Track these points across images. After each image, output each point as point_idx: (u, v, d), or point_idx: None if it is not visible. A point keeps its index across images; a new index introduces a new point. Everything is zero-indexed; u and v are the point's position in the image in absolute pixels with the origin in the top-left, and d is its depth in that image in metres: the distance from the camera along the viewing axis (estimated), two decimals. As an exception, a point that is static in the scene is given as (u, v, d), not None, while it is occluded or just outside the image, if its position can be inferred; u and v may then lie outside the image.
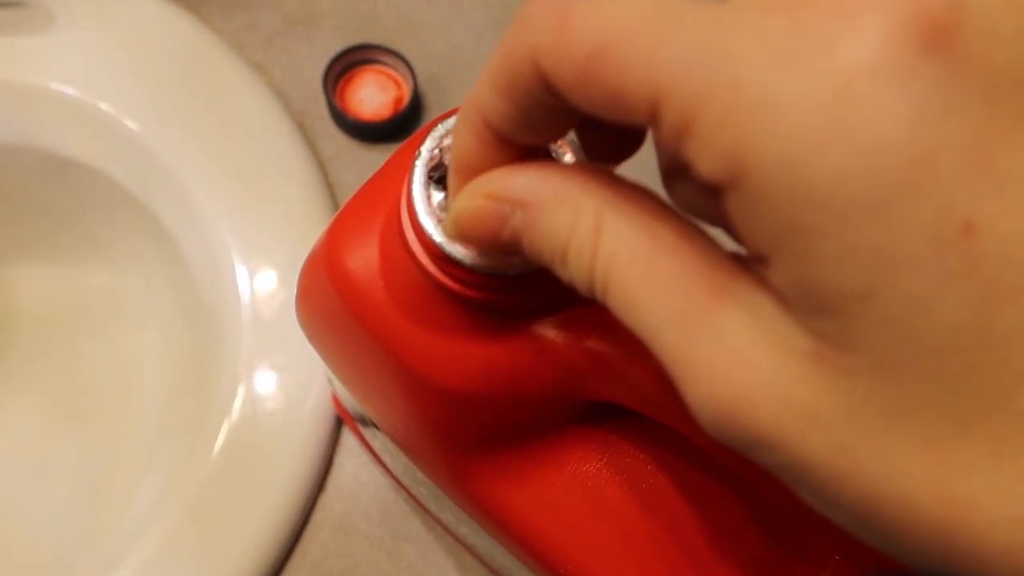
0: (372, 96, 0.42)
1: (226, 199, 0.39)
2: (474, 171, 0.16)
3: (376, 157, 0.41)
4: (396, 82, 0.42)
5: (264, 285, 0.38)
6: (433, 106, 0.43)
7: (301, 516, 0.37)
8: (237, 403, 0.37)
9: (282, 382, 0.37)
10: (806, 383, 0.12)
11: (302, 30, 0.43)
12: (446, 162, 0.17)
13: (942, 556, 0.12)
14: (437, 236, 0.17)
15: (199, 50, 0.41)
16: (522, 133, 0.15)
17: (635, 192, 0.15)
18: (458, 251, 0.17)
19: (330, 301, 0.20)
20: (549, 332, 0.19)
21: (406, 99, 0.41)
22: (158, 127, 0.39)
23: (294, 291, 0.39)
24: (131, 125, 0.39)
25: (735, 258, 0.14)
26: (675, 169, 0.16)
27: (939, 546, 0.12)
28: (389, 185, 0.20)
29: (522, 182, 0.15)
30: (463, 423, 0.20)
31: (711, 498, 0.21)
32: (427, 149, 0.17)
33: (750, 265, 0.13)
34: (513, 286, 0.17)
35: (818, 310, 0.12)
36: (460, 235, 0.16)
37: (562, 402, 0.20)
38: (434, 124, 0.18)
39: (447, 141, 0.17)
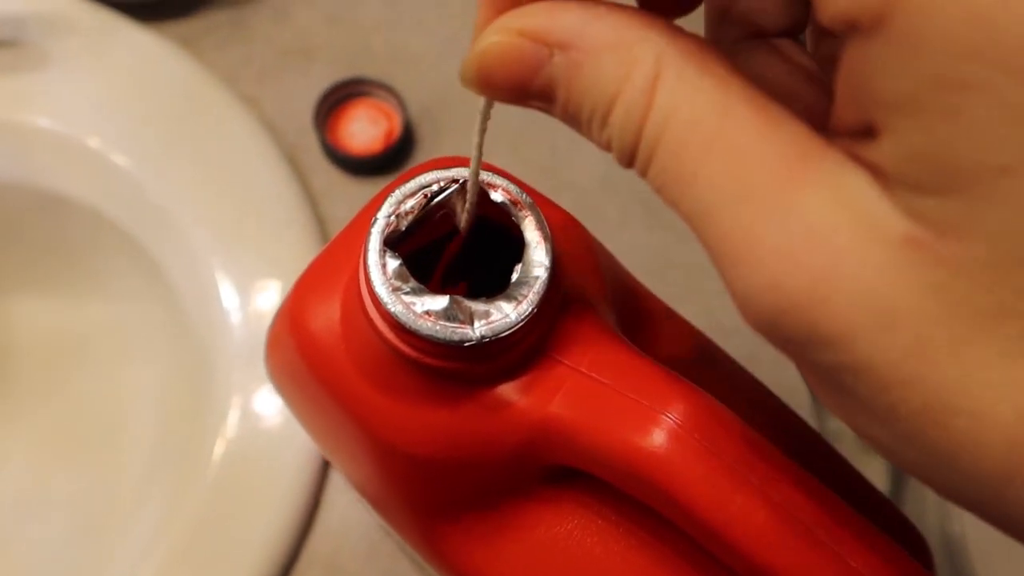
0: (363, 129, 0.42)
1: (216, 234, 0.39)
2: (508, 3, 0.13)
3: (367, 190, 0.41)
4: (387, 115, 0.42)
5: (254, 321, 0.38)
6: (426, 138, 0.42)
7: (290, 554, 0.36)
8: (225, 441, 0.37)
9: (270, 420, 0.37)
10: (892, 273, 0.11)
11: (296, 64, 0.43)
12: (403, 228, 0.17)
13: (1002, 482, 0.11)
14: (392, 306, 0.16)
15: (192, 86, 0.41)
16: None
17: (702, 45, 0.12)
18: (414, 322, 0.16)
19: (294, 361, 0.20)
20: (511, 397, 0.18)
21: (397, 132, 0.41)
22: (150, 164, 0.39)
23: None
24: (122, 163, 0.39)
25: (816, 132, 0.12)
26: (747, 32, 0.15)
27: (1005, 470, 0.10)
28: (354, 244, 0.20)
29: (569, 19, 0.13)
30: (428, 487, 0.19)
31: (681, 560, 0.20)
32: (383, 216, 0.17)
33: (838, 139, 0.11)
34: (471, 354, 0.17)
35: (937, 187, 0.10)
36: (482, 78, 0.14)
37: (528, 466, 0.19)
38: (391, 189, 0.18)
39: (405, 206, 0.17)
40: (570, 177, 0.43)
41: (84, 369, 0.46)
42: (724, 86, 0.12)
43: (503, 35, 0.13)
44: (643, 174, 0.13)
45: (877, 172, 0.11)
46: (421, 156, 0.42)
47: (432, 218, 0.18)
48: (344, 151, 0.41)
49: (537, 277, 0.17)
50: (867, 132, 0.11)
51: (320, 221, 0.41)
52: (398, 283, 0.16)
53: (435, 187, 0.17)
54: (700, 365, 0.22)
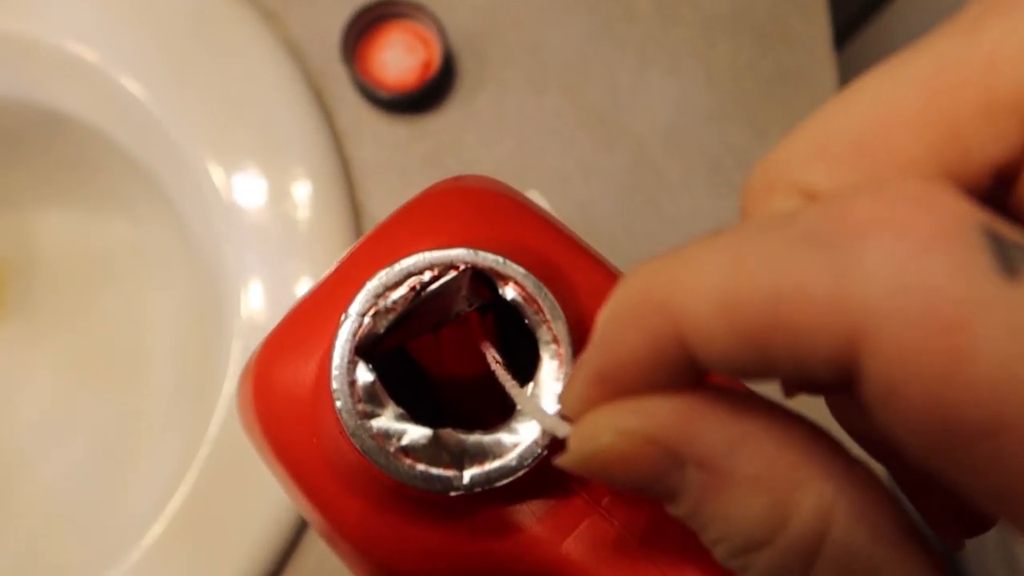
0: (398, 59, 0.37)
1: (225, 168, 0.35)
2: (625, 389, 0.11)
3: (399, 131, 0.37)
4: (425, 42, 0.37)
5: (260, 261, 0.35)
6: (468, 72, 0.37)
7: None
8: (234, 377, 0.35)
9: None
10: None
11: (324, -26, 0.38)
12: (381, 329, 0.13)
13: None
14: (360, 441, 0.13)
15: (207, -5, 0.36)
16: (737, 377, 0.10)
17: (880, 495, 0.10)
18: (387, 463, 0.13)
19: (258, 437, 0.16)
20: (516, 523, 0.15)
21: (436, 64, 0.36)
22: (155, 84, 0.35)
23: (291, 270, 0.36)
24: (124, 80, 0.35)
25: None
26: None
27: None
28: (348, 289, 0.16)
29: (714, 435, 0.10)
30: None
31: None
32: (355, 313, 0.13)
33: None
34: (462, 498, 0.13)
35: None
36: (590, 473, 0.11)
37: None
38: (362, 259, 0.13)
39: (386, 301, 0.13)
40: (630, 124, 0.38)
41: (108, 288, 0.44)
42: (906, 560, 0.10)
43: (623, 438, 0.11)
44: None
45: None
46: (462, 94, 0.37)
47: (421, 312, 0.13)
48: (375, 83, 0.36)
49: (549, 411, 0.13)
50: None
51: (344, 161, 0.37)
52: (369, 407, 0.13)
53: (427, 275, 0.13)
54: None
